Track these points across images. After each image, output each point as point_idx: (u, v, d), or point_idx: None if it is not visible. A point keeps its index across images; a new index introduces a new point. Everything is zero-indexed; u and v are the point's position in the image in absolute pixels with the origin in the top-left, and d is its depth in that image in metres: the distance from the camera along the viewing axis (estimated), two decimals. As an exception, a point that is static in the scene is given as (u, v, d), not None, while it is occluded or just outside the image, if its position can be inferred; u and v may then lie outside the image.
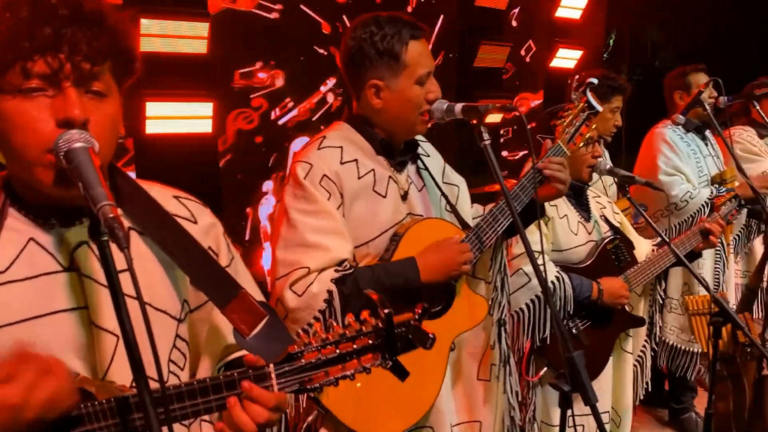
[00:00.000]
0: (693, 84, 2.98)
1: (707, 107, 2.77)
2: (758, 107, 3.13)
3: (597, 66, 5.31)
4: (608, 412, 2.31)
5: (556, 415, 2.19)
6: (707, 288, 2.08)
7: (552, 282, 2.05)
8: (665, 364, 3.06)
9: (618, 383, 2.33)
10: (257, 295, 1.05)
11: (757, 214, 3.02)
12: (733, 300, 3.05)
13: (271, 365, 0.91)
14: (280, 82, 3.53)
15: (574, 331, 2.15)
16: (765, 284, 2.71)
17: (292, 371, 0.91)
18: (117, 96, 0.92)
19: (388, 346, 0.96)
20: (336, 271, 1.46)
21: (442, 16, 4.23)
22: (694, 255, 2.30)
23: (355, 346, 0.94)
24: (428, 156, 1.79)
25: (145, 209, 0.98)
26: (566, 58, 4.80)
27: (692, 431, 3.20)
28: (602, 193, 2.62)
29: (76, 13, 0.85)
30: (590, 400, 1.41)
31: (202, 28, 2.84)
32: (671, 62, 5.53)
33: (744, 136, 3.40)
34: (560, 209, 2.19)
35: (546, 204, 2.15)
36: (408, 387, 1.55)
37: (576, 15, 4.76)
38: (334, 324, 0.95)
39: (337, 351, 0.93)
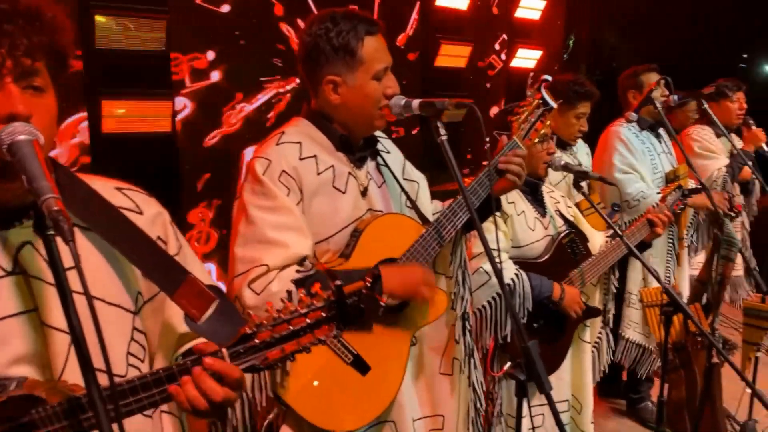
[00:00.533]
0: (645, 83, 3.07)
1: (658, 105, 2.86)
2: (707, 106, 3.26)
3: (556, 66, 5.42)
4: (568, 400, 2.37)
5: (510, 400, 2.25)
6: (658, 279, 2.15)
7: (511, 279, 2.09)
8: (624, 358, 3.14)
9: (577, 372, 2.39)
10: (207, 281, 1.06)
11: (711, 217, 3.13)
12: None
13: (224, 349, 0.91)
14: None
15: (535, 325, 2.20)
16: (714, 277, 2.80)
17: (247, 352, 0.92)
18: (53, 92, 0.92)
19: (341, 316, 0.97)
20: (298, 271, 1.45)
21: (414, 16, 4.25)
22: (645, 245, 2.37)
23: (308, 321, 0.95)
24: (388, 152, 1.80)
25: (88, 203, 0.97)
26: (526, 58, 4.89)
27: (648, 419, 3.29)
28: (566, 193, 2.69)
29: (15, 8, 0.84)
30: (545, 389, 1.45)
31: (160, 26, 2.81)
32: (629, 63, 5.68)
33: (702, 134, 3.53)
34: (518, 206, 2.24)
35: (504, 202, 2.21)
36: (369, 381, 1.57)
37: (535, 16, 4.86)
38: (286, 302, 0.96)
39: (291, 327, 0.94)
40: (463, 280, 1.83)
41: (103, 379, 0.77)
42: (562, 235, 2.28)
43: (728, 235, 2.70)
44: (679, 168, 3.04)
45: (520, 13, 4.75)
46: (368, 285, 1.04)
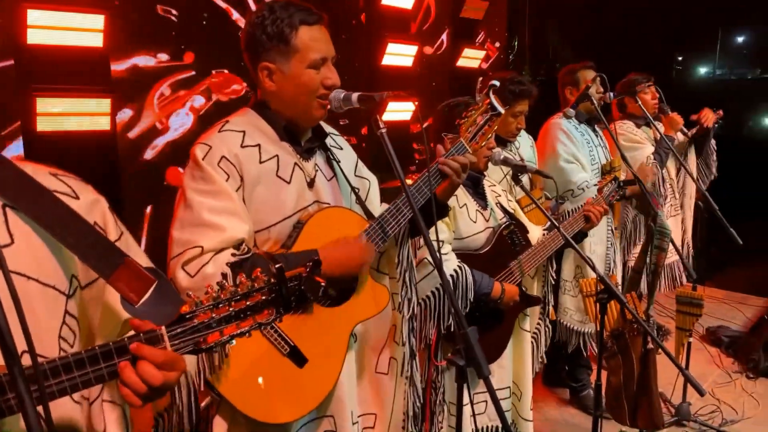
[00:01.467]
0: (581, 80, 3.18)
1: (594, 101, 2.98)
2: (639, 101, 3.42)
3: (500, 66, 5.54)
4: (509, 387, 2.43)
5: (464, 395, 2.29)
6: (593, 268, 2.22)
7: (454, 271, 2.13)
8: (563, 343, 3.25)
9: (518, 360, 2.45)
10: (147, 264, 1.04)
11: (644, 208, 3.27)
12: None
13: (163, 327, 0.90)
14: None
15: (477, 314, 2.25)
16: (648, 266, 2.92)
17: (185, 332, 0.91)
18: None
19: (281, 300, 0.97)
20: (233, 254, 1.44)
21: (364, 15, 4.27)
22: (582, 235, 2.45)
23: (248, 303, 0.94)
24: (341, 148, 1.80)
25: (18, 184, 0.93)
26: (471, 58, 4.99)
27: (590, 406, 3.40)
28: (508, 190, 2.75)
29: None
30: (483, 373, 1.47)
31: (97, 20, 2.74)
32: (570, 62, 5.86)
33: (624, 127, 3.69)
34: (459, 199, 2.28)
35: None
36: (306, 374, 1.57)
37: (479, 16, 4.95)
38: (226, 283, 0.95)
39: (231, 309, 0.93)
40: (410, 282, 1.85)
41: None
42: (503, 227, 2.34)
43: (660, 225, 2.82)
44: (613, 160, 3.16)
45: (465, 14, 4.84)
46: (308, 269, 1.04)
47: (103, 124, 2.83)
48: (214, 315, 0.92)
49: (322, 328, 1.59)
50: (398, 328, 1.84)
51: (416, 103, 3.51)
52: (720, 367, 3.95)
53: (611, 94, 3.16)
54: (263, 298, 0.95)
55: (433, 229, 2.11)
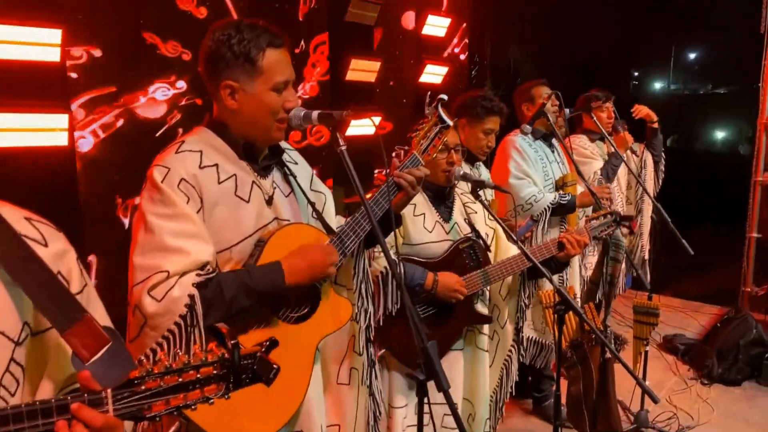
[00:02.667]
0: (537, 97, 3.27)
1: (550, 117, 3.06)
2: (594, 117, 3.54)
3: (461, 82, 5.64)
4: (458, 404, 2.43)
5: (400, 399, 2.31)
6: (550, 280, 2.27)
7: (385, 267, 2.14)
8: (525, 355, 3.30)
9: (473, 376, 2.44)
10: (106, 322, 1.03)
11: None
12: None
13: (109, 390, 0.89)
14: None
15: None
16: (604, 277, 3.00)
17: (131, 397, 0.89)
18: None
19: (232, 376, 0.97)
20: (198, 275, 1.43)
21: (326, 33, 4.30)
22: (561, 264, 2.44)
23: (198, 375, 0.93)
24: (296, 163, 1.81)
25: None
26: (434, 74, 5.06)
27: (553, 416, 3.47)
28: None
29: None
30: (443, 386, 1.50)
31: (55, 35, 2.71)
32: (531, 77, 6.00)
33: (578, 142, 3.83)
34: (417, 208, 2.32)
35: None
36: (274, 391, 1.55)
37: (441, 33, 5.04)
38: (179, 353, 0.95)
39: (180, 379, 0.92)
40: (366, 293, 1.86)
41: None
42: (460, 240, 2.37)
43: (615, 238, 2.91)
44: (567, 175, 3.24)
45: (427, 30, 4.92)
46: (264, 350, 1.05)
47: (61, 140, 2.79)
48: (162, 383, 0.91)
49: (289, 345, 1.59)
50: (357, 338, 1.85)
51: (375, 118, 3.53)
52: (676, 374, 4.06)
53: (568, 110, 3.26)
54: (214, 372, 0.94)
55: (390, 239, 2.18)
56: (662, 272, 5.74)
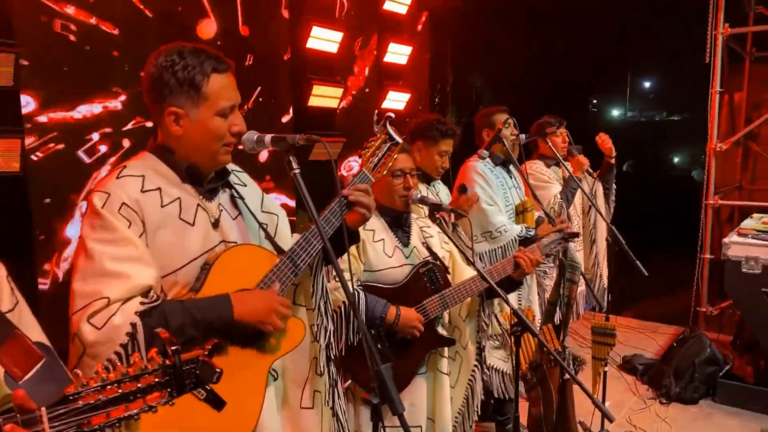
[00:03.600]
0: (496, 122, 3.34)
1: (506, 143, 3.13)
2: (549, 143, 3.63)
3: (425, 108, 5.73)
4: (420, 426, 2.41)
5: (367, 426, 2.27)
6: (507, 302, 2.30)
7: (344, 300, 2.12)
8: (490, 384, 3.31)
9: (437, 401, 2.43)
10: (40, 338, 1.01)
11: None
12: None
13: (43, 408, 0.87)
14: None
15: (379, 346, 2.27)
16: (561, 298, 3.05)
17: (68, 414, 0.87)
18: None
19: (175, 383, 0.96)
20: (142, 303, 1.40)
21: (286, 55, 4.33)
22: (516, 284, 2.48)
23: (139, 385, 0.92)
24: (244, 185, 1.80)
25: None
26: (396, 100, 5.14)
27: (515, 439, 3.47)
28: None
29: None
30: (397, 410, 1.49)
31: (8, 60, 2.67)
32: (493, 104, 6.14)
33: (535, 168, 3.92)
34: (376, 234, 2.32)
35: (360, 229, 2.29)
36: (226, 417, 1.53)
37: (402, 60, 5.13)
38: (118, 363, 0.93)
39: (120, 391, 0.90)
40: (326, 311, 1.85)
41: None
42: (420, 264, 2.39)
43: (571, 260, 2.97)
44: (526, 201, 3.31)
45: (388, 58, 5.00)
46: (206, 353, 1.03)
47: (14, 165, 2.74)
48: (101, 396, 0.89)
49: (239, 369, 1.58)
50: (318, 360, 1.83)
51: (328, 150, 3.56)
52: (636, 394, 4.12)
53: (524, 135, 3.34)
54: (156, 380, 0.93)
55: (345, 257, 2.18)
56: (620, 294, 5.87)
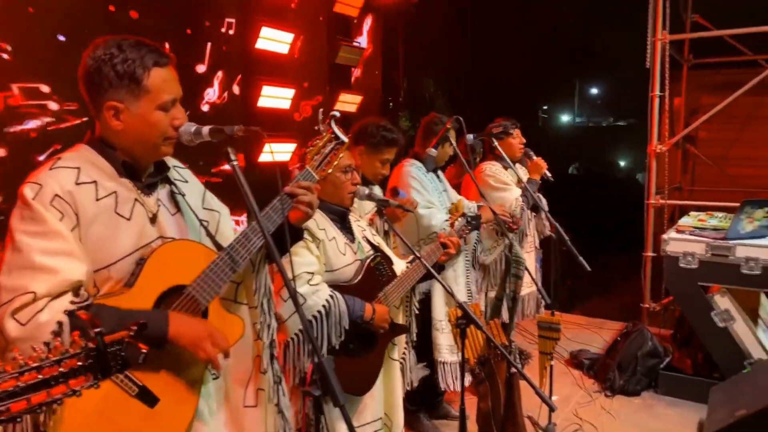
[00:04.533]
0: (439, 131, 3.40)
1: (453, 143, 3.19)
2: (497, 144, 3.70)
3: (378, 111, 5.77)
4: (381, 418, 2.47)
5: (342, 428, 2.29)
6: (453, 295, 2.35)
7: (327, 301, 2.17)
8: (443, 380, 3.36)
9: (389, 390, 2.50)
10: None
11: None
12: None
13: None
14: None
15: (351, 346, 2.29)
16: (507, 293, 3.12)
17: None
18: None
19: (100, 365, 0.94)
20: (72, 302, 1.36)
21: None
22: (440, 267, 2.59)
23: (61, 369, 0.90)
24: (186, 182, 1.78)
25: None
26: (348, 103, 5.16)
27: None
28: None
29: None
30: (338, 402, 1.49)
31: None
32: (445, 110, 6.23)
33: (493, 169, 3.96)
34: (329, 233, 2.33)
35: (315, 228, 2.30)
36: (159, 414, 1.51)
37: (354, 63, 5.16)
38: (37, 348, 0.91)
39: (40, 376, 0.88)
40: (269, 308, 1.84)
41: None
42: (370, 258, 2.42)
43: (516, 255, 3.04)
44: (458, 204, 3.37)
45: (339, 60, 5.02)
46: (132, 333, 1.02)
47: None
48: (19, 383, 0.87)
49: (173, 365, 1.55)
50: (262, 358, 1.82)
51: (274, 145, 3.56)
52: (582, 388, 4.23)
53: (471, 136, 3.40)
54: (79, 364, 0.91)
55: (302, 259, 2.18)
56: (568, 293, 6.03)
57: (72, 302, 1.36)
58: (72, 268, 1.39)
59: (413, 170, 3.31)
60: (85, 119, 3.24)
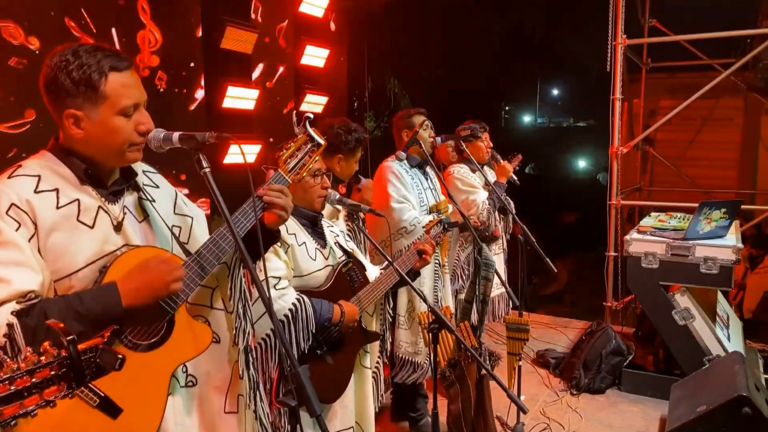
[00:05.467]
0: (414, 124, 3.40)
1: (423, 144, 3.19)
2: (465, 146, 3.72)
3: (343, 112, 5.74)
4: (352, 427, 2.44)
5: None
6: (424, 300, 2.34)
7: (293, 304, 2.14)
8: (402, 375, 3.37)
9: (360, 398, 2.48)
10: None
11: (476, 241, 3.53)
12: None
13: None
14: None
15: (318, 352, 2.26)
16: (477, 295, 3.13)
17: None
18: None
19: (74, 374, 0.91)
20: (18, 302, 1.33)
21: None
22: (415, 274, 2.58)
23: (34, 380, 0.87)
24: (156, 187, 1.73)
25: None
26: (314, 103, 5.11)
27: (430, 433, 3.53)
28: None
29: None
30: (315, 412, 1.48)
31: None
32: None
33: (462, 172, 3.97)
34: (299, 237, 2.30)
35: (284, 233, 2.26)
36: (121, 425, 1.46)
37: (320, 63, 5.11)
38: (7, 359, 0.87)
39: (12, 388, 0.85)
40: (244, 313, 1.81)
41: None
42: (341, 264, 2.39)
43: (486, 258, 3.06)
44: (441, 202, 3.38)
45: (305, 60, 4.97)
46: (106, 340, 0.98)
47: None
48: None
49: (137, 375, 1.50)
50: (239, 363, 1.79)
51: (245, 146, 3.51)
52: (549, 387, 4.30)
53: (440, 138, 3.41)
54: (52, 373, 0.89)
55: (271, 264, 2.15)
56: (535, 294, 6.12)
57: (18, 302, 1.33)
58: (24, 278, 1.36)
59: (394, 166, 3.34)
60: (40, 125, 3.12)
